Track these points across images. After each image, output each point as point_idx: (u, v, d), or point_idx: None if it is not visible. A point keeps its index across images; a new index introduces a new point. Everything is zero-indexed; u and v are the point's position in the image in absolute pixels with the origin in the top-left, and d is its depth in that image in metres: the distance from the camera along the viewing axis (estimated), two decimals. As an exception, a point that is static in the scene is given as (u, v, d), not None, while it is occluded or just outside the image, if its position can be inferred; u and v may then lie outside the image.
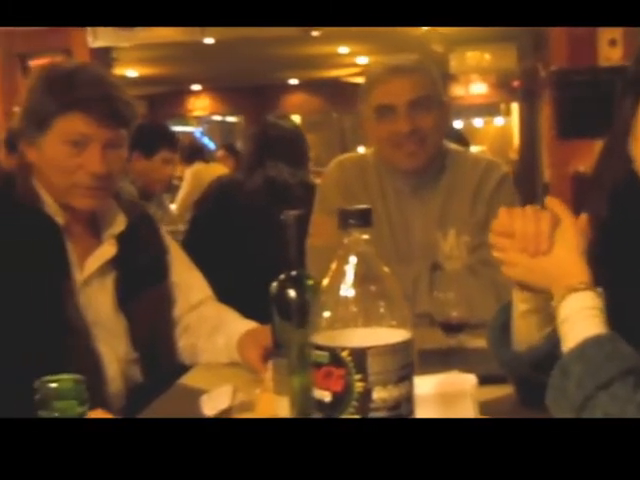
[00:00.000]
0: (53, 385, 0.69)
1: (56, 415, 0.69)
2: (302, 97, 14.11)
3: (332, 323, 0.90)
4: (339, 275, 0.91)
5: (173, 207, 5.48)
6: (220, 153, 8.56)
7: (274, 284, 1.27)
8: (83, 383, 0.73)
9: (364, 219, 0.93)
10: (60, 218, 1.80)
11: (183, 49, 8.89)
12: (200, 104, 14.30)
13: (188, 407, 1.49)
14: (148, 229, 1.98)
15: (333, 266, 0.93)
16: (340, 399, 0.88)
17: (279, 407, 1.24)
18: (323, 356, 0.88)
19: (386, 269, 0.93)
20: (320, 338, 0.89)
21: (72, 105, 1.77)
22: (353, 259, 0.91)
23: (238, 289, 2.26)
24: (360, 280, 0.91)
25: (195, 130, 14.27)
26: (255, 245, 3.06)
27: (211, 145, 11.91)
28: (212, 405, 1.47)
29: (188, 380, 1.77)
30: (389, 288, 0.92)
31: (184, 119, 14.31)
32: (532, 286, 1.22)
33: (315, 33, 7.54)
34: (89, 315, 1.78)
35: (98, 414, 1.30)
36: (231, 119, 15.16)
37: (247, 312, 1.95)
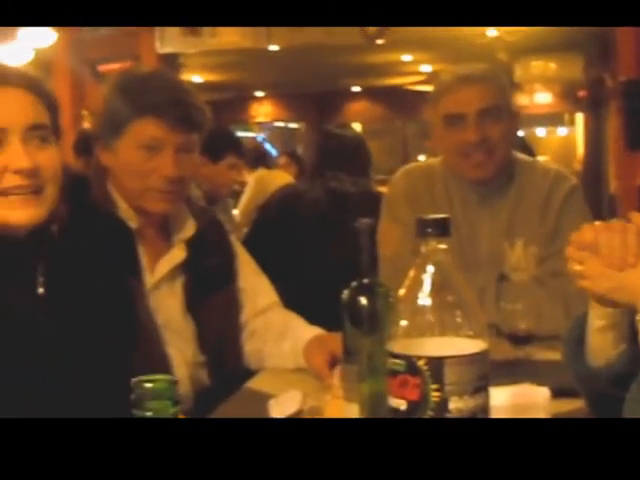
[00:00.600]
0: (148, 385, 0.71)
1: (149, 415, 0.70)
2: (364, 105, 14.12)
3: (408, 332, 0.90)
4: (416, 284, 0.92)
5: (236, 212, 5.53)
6: (282, 159, 8.60)
7: (345, 291, 1.28)
8: (176, 384, 0.75)
9: (442, 228, 0.93)
10: (133, 222, 1.83)
11: (248, 55, 8.97)
12: (263, 110, 14.40)
13: (256, 410, 1.51)
14: (217, 234, 2.01)
15: (410, 275, 0.93)
16: (415, 408, 0.88)
17: (348, 414, 1.24)
18: (399, 364, 0.88)
19: (463, 279, 0.93)
20: (396, 346, 0.90)
21: (146, 110, 1.80)
22: (430, 268, 0.92)
23: (295, 296, 2.27)
24: (437, 289, 0.91)
25: (257, 136, 14.38)
26: (314, 254, 3.08)
27: (273, 151, 11.99)
28: (280, 410, 1.48)
29: (254, 384, 1.79)
30: (466, 298, 0.92)
31: (247, 125, 14.43)
32: (615, 301, 1.19)
33: (379, 41, 7.54)
34: (159, 318, 1.81)
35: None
36: (293, 126, 15.25)
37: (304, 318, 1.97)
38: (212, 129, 3.94)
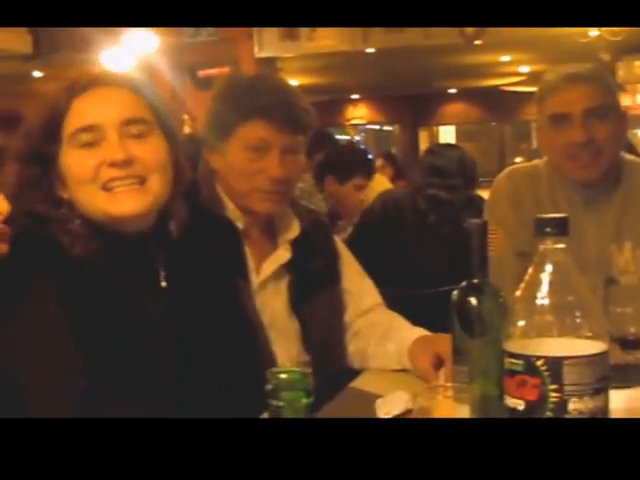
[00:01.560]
0: (283, 376, 0.73)
1: (282, 404, 0.72)
2: (460, 106, 13.99)
3: (526, 332, 0.89)
4: (534, 284, 0.91)
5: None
6: (379, 162, 8.60)
7: (455, 292, 1.28)
8: (310, 376, 0.76)
9: (560, 227, 0.92)
10: (240, 222, 1.87)
11: (345, 58, 9.00)
12: (358, 113, 14.43)
13: (362, 410, 1.51)
14: (321, 235, 2.03)
15: (527, 275, 0.92)
16: (534, 408, 0.87)
17: (459, 415, 1.24)
18: (517, 364, 0.88)
19: (582, 279, 0.92)
20: (514, 346, 0.89)
21: (254, 113, 1.84)
22: (549, 267, 0.91)
23: (397, 298, 2.27)
24: (556, 289, 0.90)
25: (353, 139, 14.42)
26: (415, 257, 3.09)
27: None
28: (387, 410, 1.48)
29: (358, 384, 1.79)
30: (585, 298, 0.90)
31: (342, 127, 14.49)
32: None
33: (478, 42, 7.46)
34: (264, 317, 1.84)
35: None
36: (387, 128, 15.23)
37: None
38: (344, 148, 3.99)
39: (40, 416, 1.23)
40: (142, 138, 1.43)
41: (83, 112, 1.43)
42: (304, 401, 0.73)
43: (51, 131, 1.43)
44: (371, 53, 8.24)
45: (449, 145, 3.84)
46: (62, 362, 1.30)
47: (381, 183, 4.25)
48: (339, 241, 2.11)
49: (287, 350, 1.86)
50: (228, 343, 1.52)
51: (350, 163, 3.87)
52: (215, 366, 1.47)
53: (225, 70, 8.71)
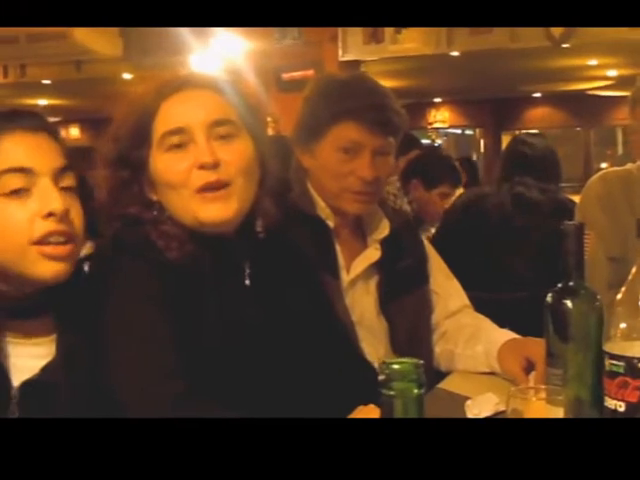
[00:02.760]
0: (395, 366, 0.74)
1: (393, 394, 0.74)
2: (545, 110, 13.78)
3: (628, 334, 0.89)
4: (636, 286, 0.90)
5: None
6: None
7: (550, 294, 1.27)
8: (422, 367, 0.78)
9: (664, 230, 0.91)
10: (330, 221, 1.90)
11: (429, 61, 8.97)
12: (440, 116, 14.33)
13: (451, 411, 1.52)
14: (410, 236, 2.04)
15: (630, 277, 0.92)
16: (635, 410, 0.87)
17: (552, 417, 1.23)
18: (618, 366, 0.88)
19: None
20: (615, 348, 0.89)
21: (345, 114, 1.86)
22: (652, 270, 0.90)
23: (482, 298, 2.26)
24: (659, 292, 0.89)
25: (434, 142, 14.34)
26: (499, 258, 3.06)
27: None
28: (476, 411, 1.49)
29: (446, 385, 1.80)
30: (690, 301, 0.90)
31: (423, 131, 14.42)
32: None
33: (565, 45, 7.35)
34: (353, 315, 1.86)
35: (371, 410, 1.35)
36: (468, 132, 15.09)
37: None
38: (433, 156, 3.96)
39: (138, 417, 1.25)
40: (229, 139, 1.44)
41: (171, 115, 1.44)
42: (415, 392, 0.74)
43: (140, 134, 1.45)
44: (455, 56, 8.18)
45: (535, 134, 3.77)
46: (160, 363, 1.32)
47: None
48: (427, 243, 2.12)
49: (375, 349, 1.88)
50: (318, 340, 1.53)
51: (438, 171, 3.86)
52: (304, 364, 1.48)
53: (309, 73, 8.77)
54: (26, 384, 1.25)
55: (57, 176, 1.27)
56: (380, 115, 1.86)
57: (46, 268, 1.24)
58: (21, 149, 1.27)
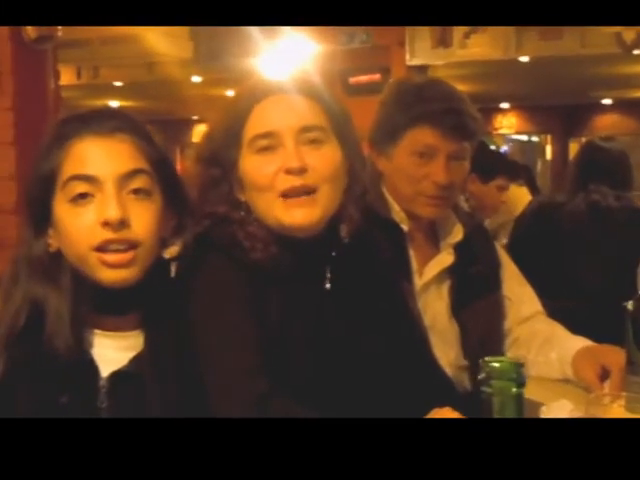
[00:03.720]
0: (495, 364, 0.75)
1: (492, 392, 0.75)
2: (614, 117, 13.55)
3: None
4: None
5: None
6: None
7: (630, 302, 1.27)
8: (522, 367, 0.78)
9: None
10: (405, 225, 1.90)
11: (497, 66, 8.90)
12: (507, 122, 14.21)
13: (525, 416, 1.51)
14: (483, 241, 2.03)
15: None
16: None
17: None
18: None
19: None
20: None
21: (421, 118, 1.86)
22: None
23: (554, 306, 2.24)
24: None
25: (500, 149, 14.21)
26: (573, 265, 3.02)
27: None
28: (551, 418, 1.48)
29: (519, 392, 1.78)
30: None
31: (488, 137, 14.30)
32: None
33: (636, 51, 7.23)
34: (425, 319, 1.86)
35: (446, 413, 1.36)
36: (534, 139, 14.92)
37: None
38: (486, 150, 3.93)
39: (223, 416, 1.29)
40: (318, 145, 1.45)
41: (262, 118, 1.46)
42: (514, 390, 0.75)
43: (232, 135, 1.47)
44: (524, 61, 8.11)
45: (608, 139, 3.72)
46: (245, 362, 1.33)
47: (524, 195, 4.20)
48: (500, 248, 2.11)
49: (446, 353, 1.88)
50: (395, 344, 1.53)
51: (492, 163, 3.84)
52: (380, 367, 1.48)
53: (376, 77, 8.79)
54: (115, 375, 1.29)
55: (122, 181, 1.28)
56: (456, 120, 1.86)
57: (107, 275, 1.27)
58: (88, 156, 1.28)
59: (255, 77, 1.55)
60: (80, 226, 1.26)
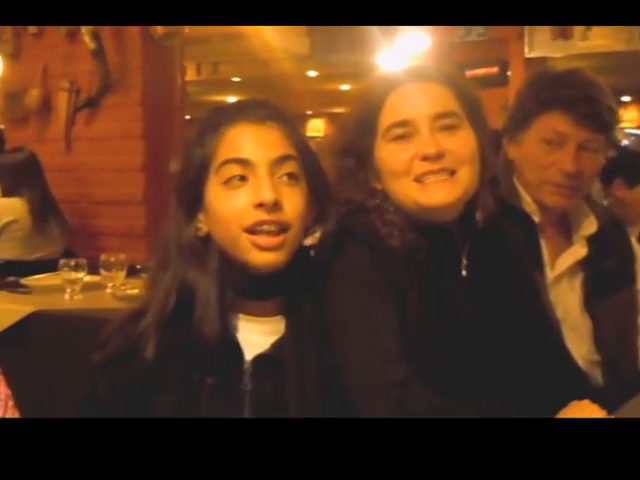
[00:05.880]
0: None
1: None
2: None
3: None
4: None
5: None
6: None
7: None
8: None
9: None
10: (537, 216, 1.88)
11: (619, 59, 8.65)
12: (628, 116, 13.77)
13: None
14: (618, 235, 1.99)
15: None
16: None
17: None
18: None
19: None
20: None
21: (554, 104, 1.83)
22: None
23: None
24: None
25: (620, 143, 13.77)
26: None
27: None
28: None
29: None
30: None
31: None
32: None
33: None
34: (558, 312, 1.84)
35: (585, 406, 1.35)
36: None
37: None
38: (634, 152, 3.81)
39: (361, 401, 1.31)
40: (452, 130, 1.45)
41: (397, 107, 1.47)
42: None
43: (367, 124, 1.49)
44: (650, 54, 7.86)
45: None
46: (384, 349, 1.34)
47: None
48: (635, 242, 2.06)
49: (578, 347, 1.84)
50: (527, 334, 1.52)
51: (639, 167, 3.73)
52: (513, 357, 1.47)
53: (493, 70, 8.68)
54: (258, 358, 1.33)
55: (274, 166, 1.31)
56: (589, 108, 1.82)
57: (257, 257, 1.30)
58: (242, 141, 1.32)
59: (385, 69, 1.56)
60: (233, 208, 1.30)
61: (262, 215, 1.29)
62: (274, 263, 1.31)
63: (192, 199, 1.35)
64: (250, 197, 1.30)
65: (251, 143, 1.32)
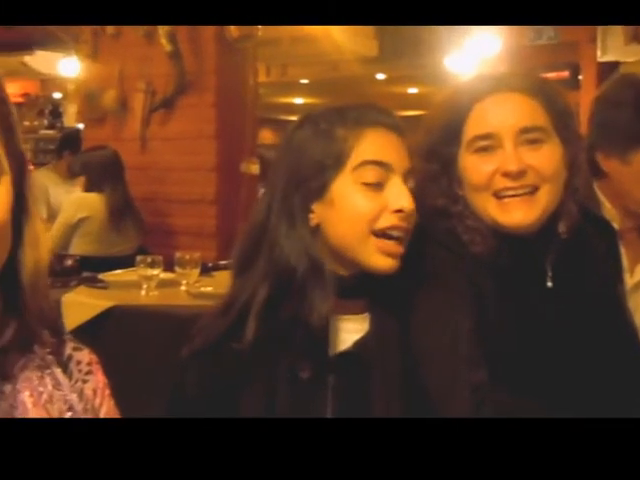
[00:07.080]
0: None
1: None
2: None
3: None
4: None
5: None
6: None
7: None
8: None
9: None
10: (616, 223, 1.87)
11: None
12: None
13: None
14: None
15: None
16: None
17: None
18: None
19: None
20: None
21: None
22: None
23: None
24: None
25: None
26: None
27: None
28: None
29: None
30: None
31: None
32: None
33: None
34: (637, 318, 1.82)
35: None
36: None
37: None
38: None
39: (442, 402, 1.31)
40: (538, 145, 1.44)
41: (482, 119, 1.46)
42: None
43: (452, 132, 1.49)
44: None
45: None
46: (465, 353, 1.34)
47: None
48: None
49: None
50: (607, 342, 1.50)
51: None
52: (591, 365, 1.46)
53: (564, 74, 8.56)
54: (341, 355, 1.34)
55: (406, 176, 1.33)
56: None
57: (379, 261, 1.31)
58: (383, 144, 1.32)
59: (477, 73, 1.56)
60: (368, 209, 1.30)
61: (397, 221, 1.30)
62: (392, 268, 1.32)
63: (314, 187, 1.33)
64: (389, 202, 1.30)
65: (390, 148, 1.33)
